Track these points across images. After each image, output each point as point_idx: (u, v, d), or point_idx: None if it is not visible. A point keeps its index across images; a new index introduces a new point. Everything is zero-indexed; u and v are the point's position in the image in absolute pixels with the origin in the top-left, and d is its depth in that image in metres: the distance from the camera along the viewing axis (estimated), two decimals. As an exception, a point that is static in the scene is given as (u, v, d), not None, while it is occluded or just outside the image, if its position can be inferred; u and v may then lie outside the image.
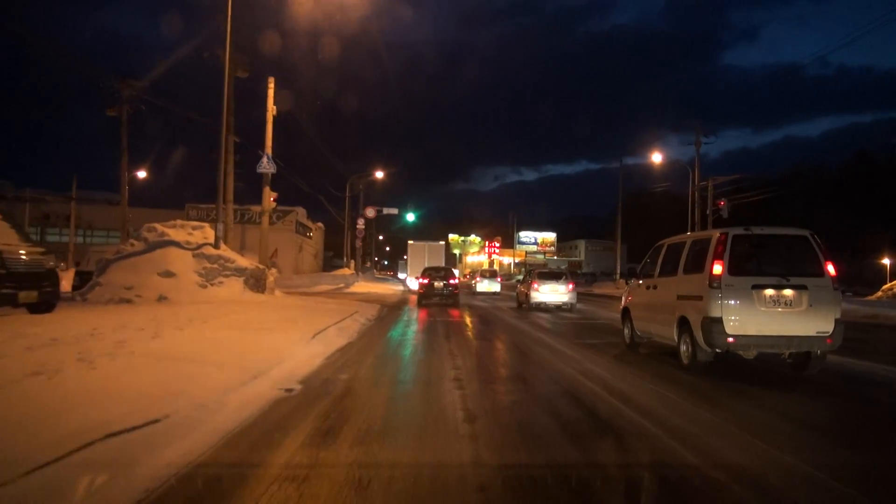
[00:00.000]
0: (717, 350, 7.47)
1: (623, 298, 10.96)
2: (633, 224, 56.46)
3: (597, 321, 17.04)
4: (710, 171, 38.83)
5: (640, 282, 10.03)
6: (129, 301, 14.91)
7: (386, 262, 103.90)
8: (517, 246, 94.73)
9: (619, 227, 46.01)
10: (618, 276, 45.90)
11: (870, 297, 32.05)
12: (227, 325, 10.16)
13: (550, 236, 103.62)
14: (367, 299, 24.02)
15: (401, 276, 54.85)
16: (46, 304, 11.11)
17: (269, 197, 21.58)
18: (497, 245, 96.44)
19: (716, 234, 7.80)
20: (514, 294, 26.12)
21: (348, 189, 42.76)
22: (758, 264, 7.51)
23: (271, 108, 20.99)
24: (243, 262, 17.76)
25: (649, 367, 8.42)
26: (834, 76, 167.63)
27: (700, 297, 7.55)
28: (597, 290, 42.94)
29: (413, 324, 15.40)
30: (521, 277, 30.05)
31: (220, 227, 17.19)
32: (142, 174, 39.26)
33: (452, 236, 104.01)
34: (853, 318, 20.23)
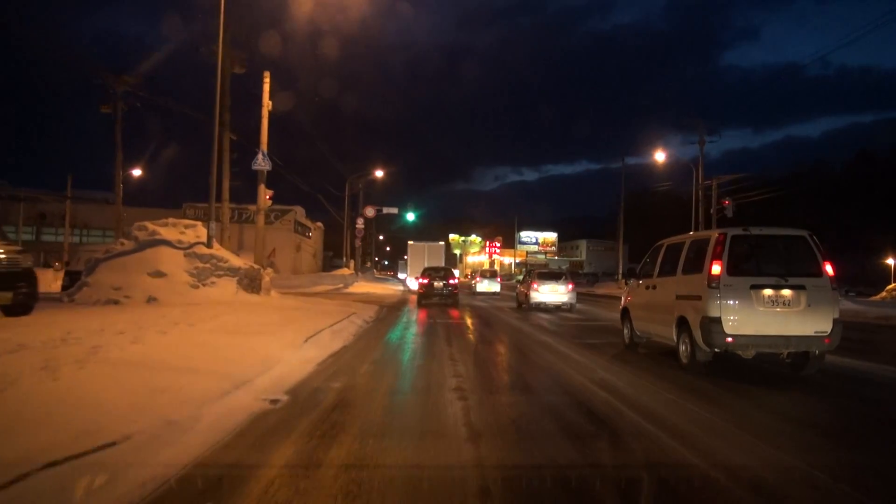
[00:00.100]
0: (716, 350, 7.48)
1: (622, 298, 10.97)
2: (635, 224, 55.93)
3: (598, 322, 16.59)
4: (711, 171, 38.26)
5: (640, 282, 9.99)
6: (116, 302, 14.36)
7: (386, 263, 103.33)
8: (518, 246, 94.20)
9: (621, 227, 45.49)
10: (620, 276, 45.35)
11: (874, 298, 31.68)
12: (216, 328, 9.61)
13: (551, 236, 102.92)
14: (366, 300, 23.61)
15: (401, 276, 54.68)
16: (23, 306, 10.54)
17: (265, 195, 21.04)
18: (498, 245, 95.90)
19: (714, 234, 7.83)
20: (514, 294, 25.97)
21: (348, 188, 42.24)
22: (756, 264, 7.53)
23: (267, 103, 20.45)
24: (237, 261, 17.20)
25: (648, 367, 8.41)
26: (835, 76, 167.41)
27: (699, 297, 7.56)
28: (599, 291, 42.44)
29: (412, 326, 14.86)
30: (521, 278, 29.58)
31: (213, 225, 16.61)
32: (138, 173, 38.72)
33: (453, 236, 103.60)
34: (864, 318, 19.84)
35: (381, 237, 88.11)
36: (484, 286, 35.37)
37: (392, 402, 6.08)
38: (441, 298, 22.59)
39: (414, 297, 25.74)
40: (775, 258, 7.60)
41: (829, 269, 7.37)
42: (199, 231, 17.44)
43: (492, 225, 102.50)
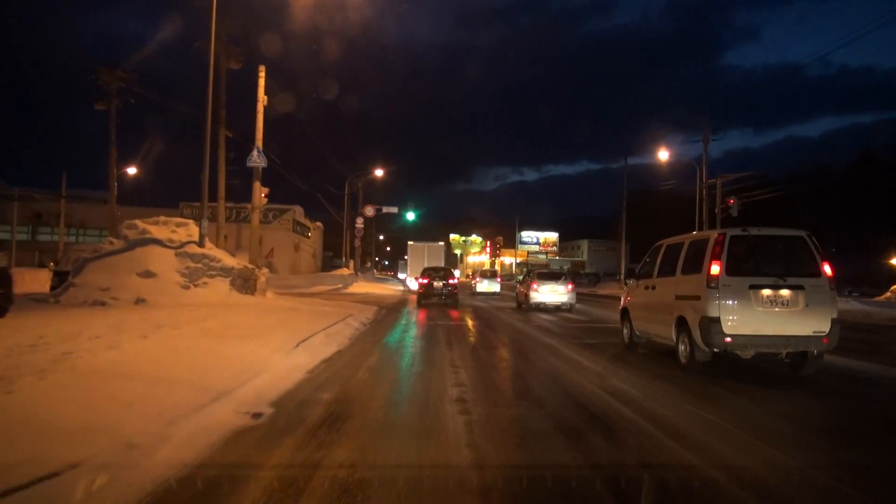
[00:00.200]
0: (715, 350, 7.50)
1: (622, 299, 10.98)
2: (637, 223, 55.26)
3: (600, 323, 16.07)
4: (712, 171, 37.45)
5: (639, 282, 10.01)
6: (103, 303, 13.81)
7: (387, 263, 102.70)
8: (519, 246, 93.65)
9: (623, 227, 44.86)
10: (622, 276, 44.75)
11: (879, 298, 31.10)
12: (201, 332, 9.05)
13: (553, 236, 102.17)
14: (365, 300, 23.13)
15: (401, 276, 54.34)
16: (-4, 308, 10.00)
17: (260, 192, 20.46)
18: (498, 245, 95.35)
19: (713, 234, 7.88)
20: (514, 294, 25.80)
21: (347, 187, 41.65)
22: (755, 265, 7.54)
23: (262, 98, 19.87)
24: (230, 261, 16.63)
25: (649, 367, 8.41)
26: (836, 76, 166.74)
27: (698, 297, 7.59)
28: (601, 292, 41.90)
29: (411, 328, 14.30)
30: (521, 278, 29.17)
31: (204, 223, 16.04)
32: (135, 172, 37.97)
33: (454, 236, 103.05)
34: (877, 320, 19.32)
35: (381, 237, 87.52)
36: (484, 286, 35.24)
37: (387, 417, 5.44)
38: (441, 298, 22.55)
39: (414, 298, 25.65)
40: (774, 258, 7.64)
41: (827, 269, 7.39)
42: (191, 230, 16.89)
43: (492, 225, 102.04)
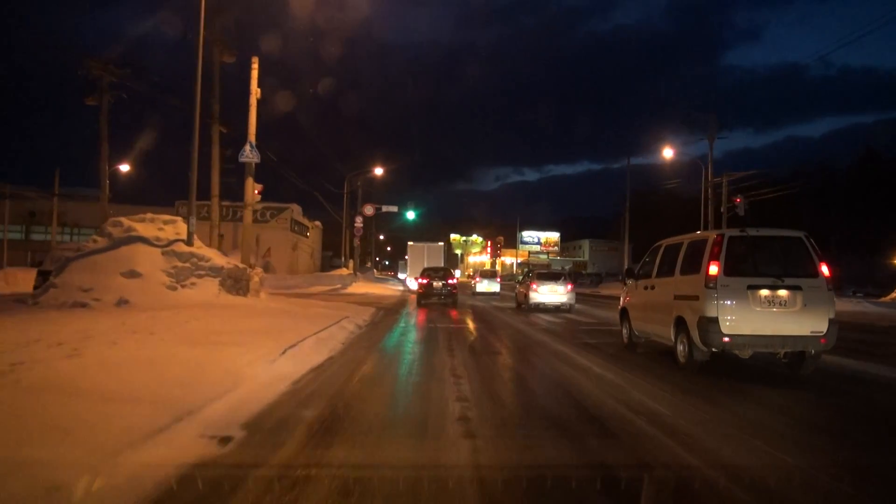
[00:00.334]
0: (713, 349, 7.52)
1: (621, 299, 10.98)
2: (638, 223, 54.52)
3: (602, 325, 15.38)
4: (714, 171, 36.66)
5: (638, 282, 10.04)
6: (84, 305, 13.03)
7: (387, 263, 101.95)
8: (520, 246, 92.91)
9: (626, 227, 44.08)
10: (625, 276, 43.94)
11: (884, 299, 30.38)
12: (180, 338, 8.28)
13: (554, 236, 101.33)
14: (363, 301, 22.47)
15: (401, 276, 53.83)
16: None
17: (254, 189, 19.74)
18: (499, 245, 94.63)
19: (712, 235, 7.93)
20: (514, 294, 25.53)
21: (346, 186, 40.91)
22: (753, 265, 7.57)
23: (255, 91, 19.10)
24: (220, 260, 15.86)
25: (649, 367, 8.40)
26: (836, 76, 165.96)
27: (696, 297, 7.60)
28: (604, 292, 41.14)
29: (410, 331, 13.53)
30: (521, 278, 28.58)
31: (192, 220, 15.25)
32: (127, 168, 37.18)
33: (454, 236, 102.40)
34: (890, 322, 18.61)
35: (381, 237, 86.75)
36: (483, 286, 34.96)
37: (378, 444, 4.60)
38: (440, 299, 22.39)
39: (413, 298, 25.42)
40: (772, 259, 7.67)
41: (825, 269, 7.43)
42: (180, 227, 16.12)
43: (493, 225, 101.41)
